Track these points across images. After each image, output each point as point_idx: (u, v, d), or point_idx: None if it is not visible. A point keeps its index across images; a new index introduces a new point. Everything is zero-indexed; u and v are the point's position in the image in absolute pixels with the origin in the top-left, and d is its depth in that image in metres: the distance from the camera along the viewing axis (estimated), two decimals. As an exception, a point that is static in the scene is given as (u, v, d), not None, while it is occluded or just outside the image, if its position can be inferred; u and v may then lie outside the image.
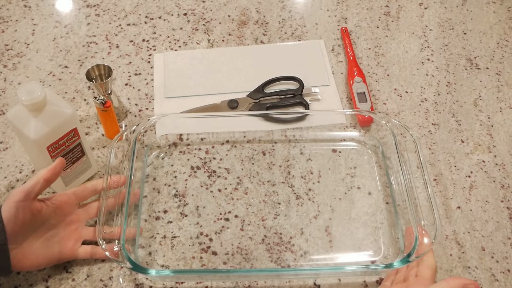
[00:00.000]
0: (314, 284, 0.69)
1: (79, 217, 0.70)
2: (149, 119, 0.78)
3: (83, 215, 0.71)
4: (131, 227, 0.71)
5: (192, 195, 0.77)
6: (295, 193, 0.77)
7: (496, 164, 0.82)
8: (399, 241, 0.72)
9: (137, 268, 0.64)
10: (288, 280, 0.69)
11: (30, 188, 0.63)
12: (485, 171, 0.81)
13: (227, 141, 0.83)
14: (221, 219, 0.75)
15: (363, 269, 0.68)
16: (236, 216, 0.75)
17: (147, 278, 0.69)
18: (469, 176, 0.80)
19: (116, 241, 0.66)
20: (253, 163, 0.81)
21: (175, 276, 0.68)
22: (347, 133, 0.85)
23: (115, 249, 0.65)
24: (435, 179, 0.80)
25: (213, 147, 0.83)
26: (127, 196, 0.70)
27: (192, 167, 0.80)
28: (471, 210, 0.77)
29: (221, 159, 0.81)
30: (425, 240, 0.65)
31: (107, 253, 0.64)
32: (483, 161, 0.82)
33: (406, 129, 0.77)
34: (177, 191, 0.77)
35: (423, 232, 0.66)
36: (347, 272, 0.69)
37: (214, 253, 0.71)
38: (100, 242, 0.65)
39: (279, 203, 0.77)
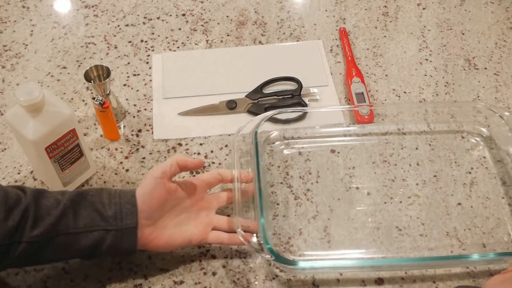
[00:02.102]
0: (313, 284, 0.69)
1: (209, 204, 0.72)
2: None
3: (214, 202, 0.72)
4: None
5: (191, 195, 0.77)
6: (293, 194, 0.77)
7: (497, 160, 0.82)
8: (394, 239, 0.73)
9: (280, 259, 0.66)
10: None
11: (167, 167, 0.66)
12: (486, 167, 0.81)
13: (226, 146, 0.83)
14: (220, 219, 0.75)
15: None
16: (235, 216, 0.75)
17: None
18: (470, 173, 0.80)
19: (255, 234, 0.68)
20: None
21: (318, 269, 0.70)
22: (345, 129, 0.85)
23: (253, 240, 0.67)
24: (435, 176, 0.80)
25: (212, 151, 0.83)
26: (258, 191, 0.71)
27: (191, 171, 0.80)
28: (471, 207, 0.77)
29: (220, 164, 0.81)
30: None
31: (248, 244, 0.66)
32: (484, 157, 0.82)
33: None
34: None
35: None
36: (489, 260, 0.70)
37: (213, 257, 0.71)
38: (239, 231, 0.67)
39: (278, 204, 0.76)
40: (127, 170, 0.80)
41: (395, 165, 0.81)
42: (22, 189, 0.62)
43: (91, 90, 0.89)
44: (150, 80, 0.92)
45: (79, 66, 0.94)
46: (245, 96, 0.89)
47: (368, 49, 0.98)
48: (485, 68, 0.95)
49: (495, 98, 0.91)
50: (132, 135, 0.84)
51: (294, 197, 0.77)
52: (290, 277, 0.69)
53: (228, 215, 0.73)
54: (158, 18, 1.02)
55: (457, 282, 0.69)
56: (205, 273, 0.70)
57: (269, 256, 0.65)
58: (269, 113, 0.81)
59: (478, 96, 0.91)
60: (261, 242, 0.67)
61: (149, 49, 0.97)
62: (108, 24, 1.01)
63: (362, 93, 0.88)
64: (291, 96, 0.89)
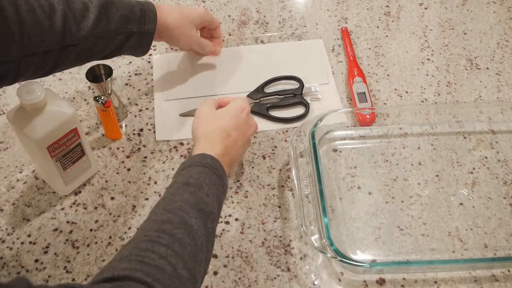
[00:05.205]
0: (313, 284, 0.69)
1: None
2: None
3: None
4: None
5: (193, 195, 0.77)
6: (294, 196, 0.77)
7: (499, 160, 0.82)
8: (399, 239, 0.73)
9: (346, 259, 0.67)
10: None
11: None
12: (488, 168, 0.81)
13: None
14: (221, 222, 0.75)
15: None
16: (236, 219, 0.75)
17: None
18: (472, 173, 0.80)
19: (318, 235, 0.69)
20: (253, 167, 0.81)
21: (385, 268, 0.71)
22: (347, 128, 0.85)
23: (321, 242, 0.68)
24: (437, 175, 0.80)
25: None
26: (319, 192, 0.72)
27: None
28: (473, 207, 0.77)
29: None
30: None
31: (315, 245, 0.68)
32: (486, 157, 0.82)
33: None
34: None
35: None
36: None
37: (215, 256, 0.71)
38: (305, 231, 0.69)
39: (279, 206, 0.76)
40: (128, 170, 0.80)
41: (397, 164, 0.81)
42: None
43: (93, 89, 0.89)
44: (152, 79, 0.92)
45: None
46: (247, 95, 0.89)
47: (370, 48, 0.98)
48: (487, 68, 0.95)
49: (497, 98, 0.91)
50: (133, 134, 0.84)
51: (296, 199, 0.77)
52: (292, 277, 0.70)
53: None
54: (159, 17, 1.02)
55: (460, 285, 0.69)
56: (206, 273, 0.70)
57: (334, 256, 0.66)
58: (324, 112, 0.82)
59: (480, 96, 0.91)
60: (326, 242, 0.68)
61: (150, 49, 0.96)
62: (110, 23, 1.01)
63: (364, 92, 0.88)
64: (292, 95, 0.89)
